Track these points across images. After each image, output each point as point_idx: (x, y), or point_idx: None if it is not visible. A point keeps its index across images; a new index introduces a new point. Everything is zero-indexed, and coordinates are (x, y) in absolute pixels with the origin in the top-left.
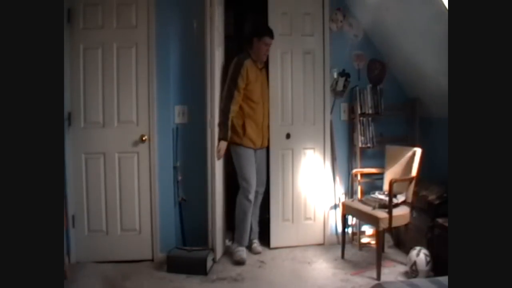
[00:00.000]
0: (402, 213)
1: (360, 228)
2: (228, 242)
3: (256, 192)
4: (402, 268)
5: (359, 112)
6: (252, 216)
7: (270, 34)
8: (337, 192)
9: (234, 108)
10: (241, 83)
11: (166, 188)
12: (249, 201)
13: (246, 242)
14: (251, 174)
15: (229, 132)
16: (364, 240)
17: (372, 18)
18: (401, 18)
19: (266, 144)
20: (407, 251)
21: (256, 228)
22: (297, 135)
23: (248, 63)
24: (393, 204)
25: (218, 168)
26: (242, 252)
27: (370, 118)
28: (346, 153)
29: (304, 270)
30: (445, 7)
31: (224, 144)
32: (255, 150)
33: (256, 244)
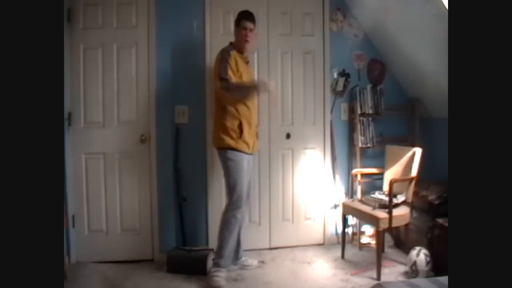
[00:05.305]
0: (402, 213)
1: (360, 228)
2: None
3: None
4: (402, 268)
5: (359, 112)
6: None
7: (246, 17)
8: (337, 192)
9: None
10: (231, 74)
11: (166, 188)
12: (237, 218)
13: (227, 264)
14: (243, 186)
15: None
16: (364, 240)
17: (372, 18)
18: (401, 18)
19: (257, 149)
20: (407, 251)
21: (243, 245)
22: (297, 135)
23: (234, 53)
24: (393, 204)
25: (218, 168)
26: (220, 278)
27: (370, 118)
28: (346, 153)
29: (304, 270)
30: (445, 7)
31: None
32: (248, 155)
33: (246, 257)
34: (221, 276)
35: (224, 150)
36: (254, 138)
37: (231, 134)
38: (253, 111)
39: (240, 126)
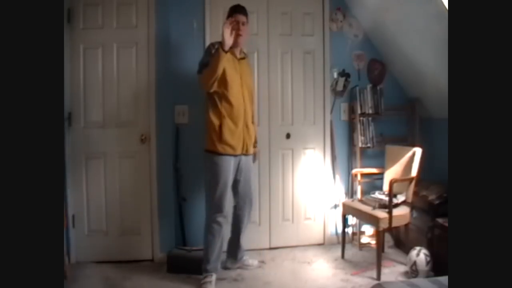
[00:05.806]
0: (402, 213)
1: (360, 228)
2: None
3: (238, 215)
4: (402, 268)
5: (359, 112)
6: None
7: (238, 10)
8: (337, 192)
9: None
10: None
11: (166, 188)
12: (219, 224)
13: (215, 268)
14: (224, 191)
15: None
16: (364, 240)
17: (372, 18)
18: (401, 18)
19: (251, 150)
20: (407, 251)
21: (243, 246)
22: (297, 135)
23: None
24: (393, 204)
25: None
26: (209, 284)
27: (370, 118)
28: (346, 153)
29: (304, 270)
30: (445, 7)
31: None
32: (236, 156)
33: (247, 257)
34: (209, 281)
35: (206, 152)
36: (243, 139)
37: (212, 136)
38: (239, 109)
39: (221, 128)
